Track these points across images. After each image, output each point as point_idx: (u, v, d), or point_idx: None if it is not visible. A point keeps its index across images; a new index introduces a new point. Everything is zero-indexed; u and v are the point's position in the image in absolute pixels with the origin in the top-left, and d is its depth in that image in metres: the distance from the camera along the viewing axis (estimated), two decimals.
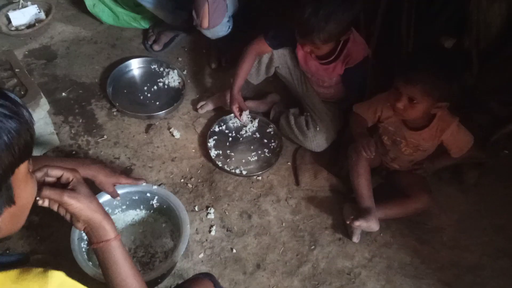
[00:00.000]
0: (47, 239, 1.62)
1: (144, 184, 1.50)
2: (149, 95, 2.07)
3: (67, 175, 0.93)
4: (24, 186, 0.73)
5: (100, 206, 0.94)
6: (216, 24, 1.83)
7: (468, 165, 1.92)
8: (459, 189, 1.90)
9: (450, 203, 1.86)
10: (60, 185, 0.93)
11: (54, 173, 0.93)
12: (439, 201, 1.85)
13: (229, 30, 1.96)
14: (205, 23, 1.80)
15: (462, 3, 2.06)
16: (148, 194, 1.62)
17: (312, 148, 1.87)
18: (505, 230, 1.80)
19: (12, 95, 0.70)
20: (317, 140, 1.84)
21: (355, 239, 1.68)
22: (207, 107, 2.02)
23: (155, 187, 1.62)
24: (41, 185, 0.89)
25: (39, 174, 0.91)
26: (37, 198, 0.88)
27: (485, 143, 2.04)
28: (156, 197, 1.62)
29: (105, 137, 1.92)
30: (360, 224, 1.58)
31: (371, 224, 1.59)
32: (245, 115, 1.90)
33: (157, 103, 2.04)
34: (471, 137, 1.64)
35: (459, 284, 1.66)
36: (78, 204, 0.90)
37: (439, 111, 1.55)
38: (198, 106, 2.02)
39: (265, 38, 1.78)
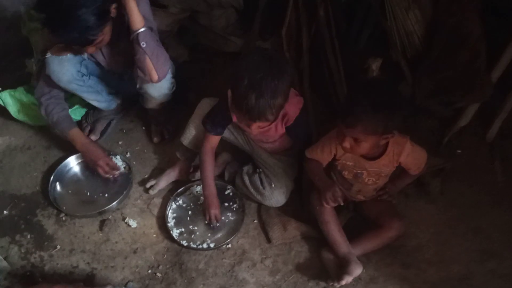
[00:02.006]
0: None
1: None
2: (96, 189, 1.98)
3: None
4: None
5: None
6: (164, 72, 1.78)
7: (429, 174, 1.92)
8: (427, 201, 1.89)
9: (422, 217, 1.84)
10: None
11: None
12: (411, 218, 1.83)
13: (174, 89, 1.93)
14: (154, 75, 1.74)
15: (379, 19, 2.12)
16: None
17: (271, 205, 1.82)
18: (482, 230, 1.79)
19: None
20: (275, 197, 1.79)
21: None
22: (158, 186, 1.94)
23: None
24: None
25: None
26: None
27: (438, 148, 2.06)
28: None
29: (59, 247, 1.80)
30: (347, 280, 1.55)
31: (355, 272, 1.56)
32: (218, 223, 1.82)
33: (106, 195, 1.95)
34: (424, 152, 1.64)
35: None
36: None
37: (389, 139, 1.54)
38: (148, 186, 1.94)
39: (209, 132, 1.76)
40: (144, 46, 1.66)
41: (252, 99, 1.39)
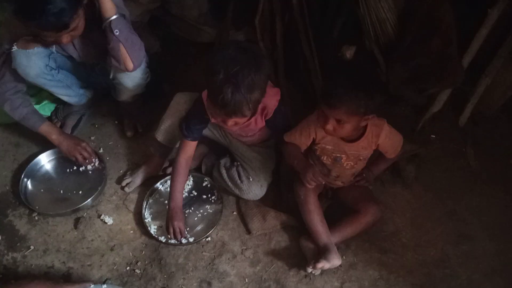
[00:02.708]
0: None
1: (92, 286, 1.43)
2: (69, 186, 1.92)
3: None
4: None
5: None
6: (139, 60, 1.73)
7: (404, 160, 1.95)
8: (403, 187, 1.92)
9: (398, 203, 1.87)
10: None
11: None
12: (388, 204, 1.86)
13: (148, 79, 1.88)
14: (129, 63, 1.69)
15: (353, 7, 2.12)
16: None
17: (250, 199, 1.81)
18: (456, 213, 1.84)
19: None
20: (253, 191, 1.78)
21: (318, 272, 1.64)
22: (134, 184, 1.90)
23: (104, 286, 1.50)
24: None
25: None
26: None
27: (412, 134, 2.09)
28: None
29: (32, 247, 1.74)
30: (323, 266, 1.56)
31: (334, 262, 1.58)
32: (183, 239, 1.74)
33: (80, 192, 1.89)
34: (400, 135, 1.66)
35: (432, 282, 1.66)
36: None
37: (369, 121, 1.55)
38: (123, 184, 1.90)
39: (185, 138, 1.72)
40: (117, 33, 1.61)
41: (228, 93, 1.34)
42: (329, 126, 1.48)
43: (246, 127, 1.66)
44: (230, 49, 1.40)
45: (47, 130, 1.92)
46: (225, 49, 1.42)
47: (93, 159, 1.97)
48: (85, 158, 1.94)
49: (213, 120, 1.55)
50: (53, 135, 1.92)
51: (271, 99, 1.61)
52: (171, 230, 1.70)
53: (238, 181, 1.78)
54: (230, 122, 1.48)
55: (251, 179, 1.78)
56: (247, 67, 1.36)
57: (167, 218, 1.73)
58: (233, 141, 1.83)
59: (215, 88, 1.38)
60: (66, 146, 1.93)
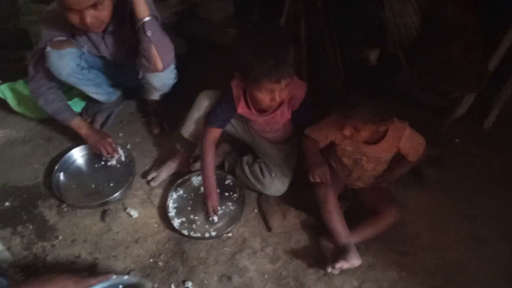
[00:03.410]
0: None
1: (115, 276, 1.48)
2: (99, 180, 1.99)
3: None
4: None
5: None
6: (169, 61, 1.80)
7: (426, 164, 1.94)
8: (424, 190, 1.91)
9: (419, 206, 1.87)
10: None
11: None
12: (408, 207, 1.86)
13: (175, 80, 1.95)
14: (159, 64, 1.76)
15: (377, 10, 2.13)
16: (121, 287, 1.53)
17: (272, 194, 1.84)
18: (478, 218, 1.82)
19: None
20: (275, 186, 1.81)
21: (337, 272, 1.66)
22: (159, 178, 1.96)
23: (126, 277, 1.54)
24: None
25: None
26: None
27: (435, 138, 2.08)
28: None
29: (60, 237, 1.82)
30: (342, 266, 1.57)
31: (353, 262, 1.58)
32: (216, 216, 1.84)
33: (111, 184, 1.96)
34: (422, 138, 1.67)
35: (451, 285, 1.65)
36: None
37: (389, 125, 1.56)
38: (149, 178, 1.96)
39: (211, 125, 1.78)
40: (150, 34, 1.67)
41: (266, 55, 1.42)
42: (346, 132, 1.52)
43: (272, 119, 1.70)
44: (247, 30, 1.52)
45: (78, 124, 2.00)
46: (243, 32, 1.53)
47: (116, 154, 2.04)
48: (108, 153, 2.01)
49: (239, 110, 1.59)
50: (83, 130, 2.01)
51: (298, 90, 1.65)
52: (206, 210, 1.80)
53: (260, 176, 1.82)
54: (277, 90, 1.51)
55: (273, 175, 1.81)
56: (269, 39, 1.45)
57: (203, 199, 1.83)
58: (256, 137, 1.87)
59: (252, 61, 1.44)
60: (93, 139, 2.01)
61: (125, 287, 1.54)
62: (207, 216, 1.83)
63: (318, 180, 1.62)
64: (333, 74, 2.12)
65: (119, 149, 2.07)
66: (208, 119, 1.78)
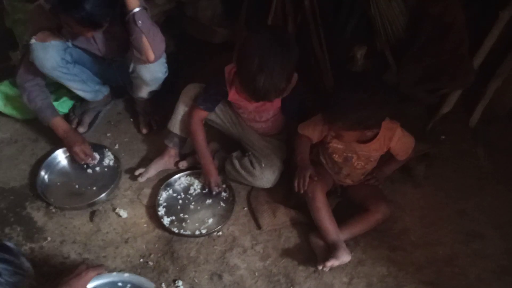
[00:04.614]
0: None
1: (115, 273, 1.54)
2: (84, 181, 1.97)
3: None
4: None
5: None
6: (160, 52, 1.80)
7: (414, 159, 1.96)
8: (412, 186, 1.93)
9: (408, 201, 1.88)
10: None
11: None
12: (397, 202, 1.87)
13: (166, 74, 1.94)
14: (151, 54, 1.75)
15: (364, 8, 2.15)
16: (120, 284, 1.54)
17: (263, 186, 1.85)
18: (467, 213, 1.84)
19: (13, 247, 0.76)
20: (266, 176, 1.82)
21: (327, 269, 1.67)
22: (147, 174, 1.94)
23: (126, 274, 1.55)
24: None
25: None
26: None
27: (423, 134, 2.10)
28: (128, 286, 1.54)
29: (49, 239, 1.79)
30: (333, 264, 1.58)
31: (343, 258, 1.59)
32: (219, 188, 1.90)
33: (94, 188, 1.94)
34: (412, 138, 1.69)
35: (441, 279, 1.66)
36: None
37: (377, 131, 1.58)
38: (136, 173, 1.94)
39: (199, 106, 1.80)
40: (140, 24, 1.68)
41: (260, 82, 1.43)
42: (332, 133, 1.56)
43: (262, 106, 1.70)
44: (266, 34, 1.47)
45: (57, 124, 1.97)
46: (260, 35, 1.49)
47: (91, 160, 1.99)
48: (81, 158, 1.97)
49: (230, 95, 1.63)
50: (60, 131, 1.97)
51: None
52: (208, 185, 1.87)
53: (251, 168, 1.83)
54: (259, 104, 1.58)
55: (263, 165, 1.82)
56: (280, 56, 1.43)
57: (202, 175, 1.89)
58: (245, 129, 1.87)
59: (248, 74, 1.46)
60: (68, 142, 1.97)
61: (125, 284, 1.54)
62: (210, 192, 1.87)
63: (299, 190, 1.66)
64: (322, 73, 2.12)
65: (107, 152, 2.05)
66: (197, 100, 1.79)
